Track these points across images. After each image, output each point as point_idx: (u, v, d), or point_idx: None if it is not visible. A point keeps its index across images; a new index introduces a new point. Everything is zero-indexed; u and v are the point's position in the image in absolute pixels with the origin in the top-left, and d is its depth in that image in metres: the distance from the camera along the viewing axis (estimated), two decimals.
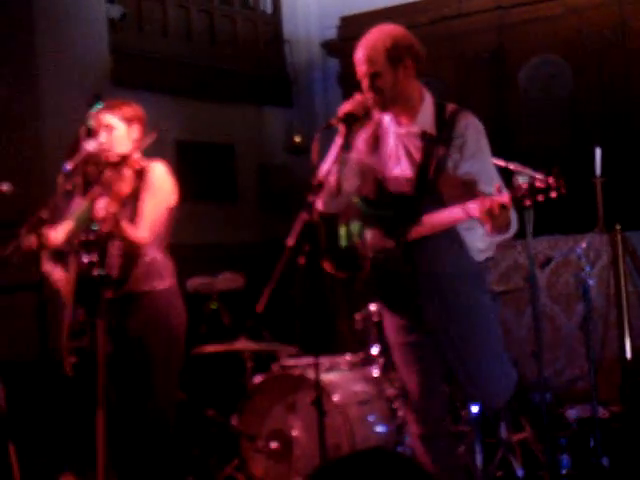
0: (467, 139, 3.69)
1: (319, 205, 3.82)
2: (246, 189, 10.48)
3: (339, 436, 4.79)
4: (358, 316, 5.33)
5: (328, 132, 3.74)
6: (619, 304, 6.42)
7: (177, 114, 9.74)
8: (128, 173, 4.37)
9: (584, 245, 5.56)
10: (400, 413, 4.96)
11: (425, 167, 3.69)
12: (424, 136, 3.73)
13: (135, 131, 4.44)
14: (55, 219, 5.28)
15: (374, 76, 3.72)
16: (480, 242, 3.74)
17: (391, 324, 3.90)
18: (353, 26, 10.48)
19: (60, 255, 5.16)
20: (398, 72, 3.73)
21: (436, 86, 3.92)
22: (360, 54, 3.76)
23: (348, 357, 5.38)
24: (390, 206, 3.75)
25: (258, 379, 5.20)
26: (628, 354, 6.29)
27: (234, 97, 10.41)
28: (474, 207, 3.49)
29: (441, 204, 3.68)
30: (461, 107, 3.80)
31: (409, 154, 3.76)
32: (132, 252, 4.28)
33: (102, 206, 4.13)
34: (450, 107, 3.78)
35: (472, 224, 3.68)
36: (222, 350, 5.51)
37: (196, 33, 10.48)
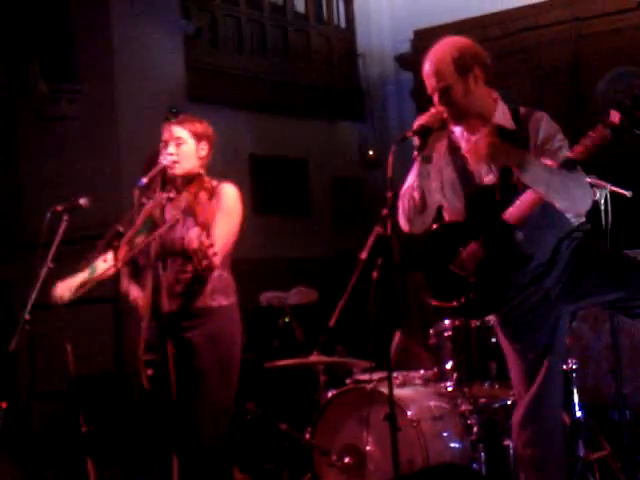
0: (541, 127, 3.68)
1: (404, 226, 3.80)
2: (319, 203, 10.50)
3: (413, 451, 4.75)
4: (432, 331, 5.29)
5: (403, 145, 3.72)
6: None
7: (251, 128, 9.82)
8: (203, 195, 4.40)
9: None
10: (475, 429, 4.90)
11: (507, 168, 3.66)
12: (502, 131, 3.68)
13: (203, 148, 4.47)
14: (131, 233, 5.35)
15: (445, 90, 3.70)
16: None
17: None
18: (427, 39, 10.43)
19: (137, 270, 5.22)
20: (468, 82, 3.71)
21: (510, 99, 3.88)
22: (428, 68, 3.75)
23: (422, 372, 5.34)
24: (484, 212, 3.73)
25: (331, 393, 5.18)
26: None
27: (308, 111, 10.45)
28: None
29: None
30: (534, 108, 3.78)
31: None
32: (203, 274, 4.31)
33: (194, 236, 4.11)
34: (524, 109, 3.77)
35: None
36: (295, 364, 5.50)
37: (270, 48, 10.55)
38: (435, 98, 3.75)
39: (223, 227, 4.36)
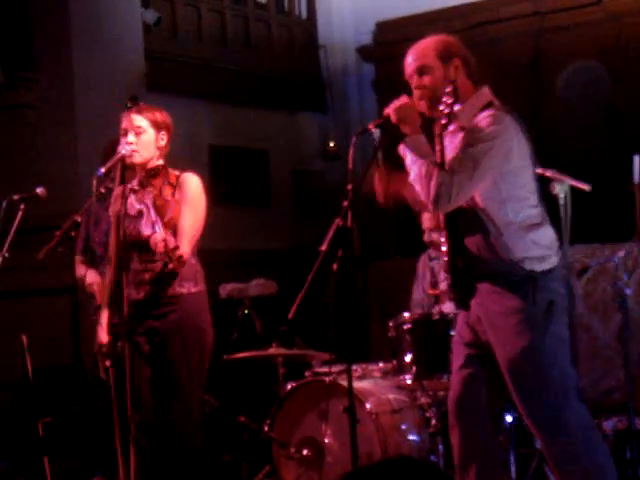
0: (474, 122, 3.59)
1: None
2: (280, 195, 10.46)
3: (371, 444, 4.76)
4: (391, 324, 5.29)
5: (363, 138, 3.70)
6: None
7: (211, 119, 9.76)
8: (168, 191, 4.38)
9: (622, 254, 5.48)
10: (433, 422, 4.92)
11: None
12: (462, 130, 3.64)
13: (163, 138, 4.44)
14: (89, 223, 5.30)
15: (423, 70, 3.67)
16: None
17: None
18: (388, 31, 10.45)
19: (92, 259, 5.17)
20: (449, 69, 3.67)
21: None
22: (409, 57, 3.73)
23: (381, 365, 5.34)
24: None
25: (290, 386, 5.17)
26: None
27: (268, 102, 10.40)
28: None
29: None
30: (502, 107, 3.68)
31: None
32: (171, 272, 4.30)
33: (160, 239, 4.07)
34: (493, 110, 3.64)
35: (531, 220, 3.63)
36: (254, 356, 5.48)
37: (231, 38, 10.48)
38: (413, 83, 3.70)
39: (190, 218, 4.35)
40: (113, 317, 4.42)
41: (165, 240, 4.00)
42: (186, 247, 4.26)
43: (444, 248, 3.66)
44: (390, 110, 3.61)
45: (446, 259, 3.65)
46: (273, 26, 11.01)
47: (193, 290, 4.42)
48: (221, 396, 5.82)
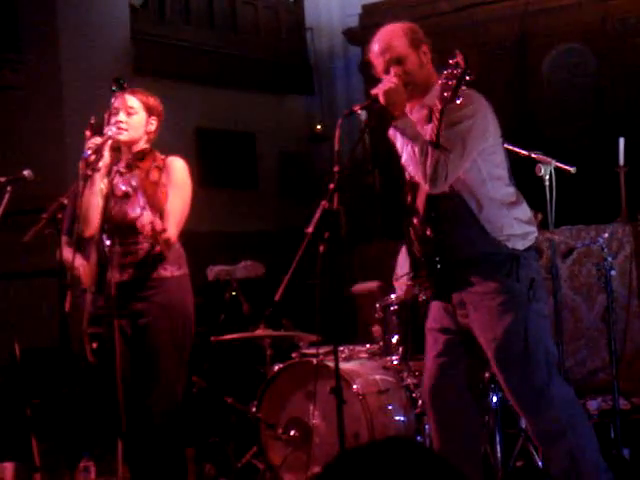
0: (452, 106, 3.51)
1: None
2: (267, 177, 10.48)
3: (358, 425, 4.78)
4: (378, 305, 5.31)
5: (350, 120, 3.72)
6: None
7: (198, 101, 9.75)
8: (155, 174, 4.38)
9: (606, 235, 5.52)
10: (419, 402, 4.95)
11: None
12: (430, 111, 3.63)
13: (152, 123, 4.44)
14: (75, 205, 5.29)
15: (399, 60, 3.66)
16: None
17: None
18: (375, 14, 10.44)
19: (80, 242, 5.17)
20: (420, 55, 3.69)
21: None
22: (378, 47, 3.70)
23: (368, 346, 5.36)
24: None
25: (277, 367, 5.19)
26: None
27: (255, 85, 10.40)
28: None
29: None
30: (473, 91, 3.63)
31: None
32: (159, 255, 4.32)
33: (147, 222, 4.07)
34: (465, 91, 3.55)
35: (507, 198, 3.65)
36: (241, 338, 5.50)
37: (218, 21, 10.47)
38: (390, 72, 3.67)
39: (177, 201, 4.35)
40: (98, 299, 4.42)
41: (152, 222, 4.01)
42: (173, 230, 4.27)
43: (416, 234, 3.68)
44: (379, 92, 3.60)
45: (419, 247, 3.69)
46: (260, 9, 11.00)
47: (176, 273, 4.42)
48: (209, 377, 5.84)
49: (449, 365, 3.76)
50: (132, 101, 4.38)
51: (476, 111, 3.59)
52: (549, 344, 3.69)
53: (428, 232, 3.66)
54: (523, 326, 3.60)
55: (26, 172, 4.76)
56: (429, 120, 3.61)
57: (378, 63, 3.72)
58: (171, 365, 4.36)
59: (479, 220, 3.63)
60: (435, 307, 3.85)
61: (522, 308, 3.61)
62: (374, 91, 3.63)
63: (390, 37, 3.70)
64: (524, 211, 3.72)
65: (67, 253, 4.85)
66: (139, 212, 4.19)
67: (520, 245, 3.65)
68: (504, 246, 3.63)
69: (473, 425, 3.85)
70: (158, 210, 4.28)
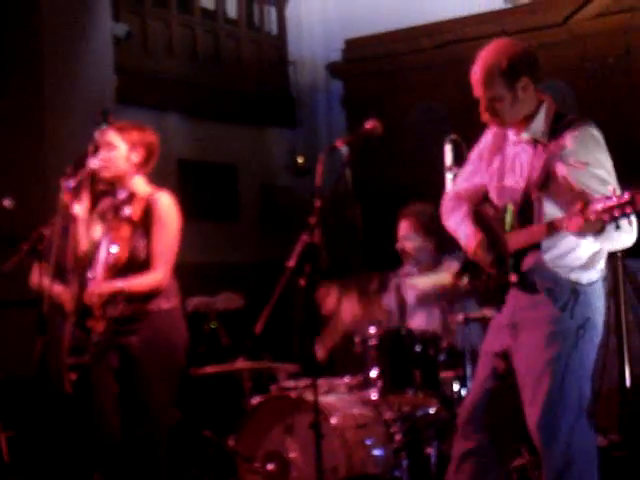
0: (570, 149, 3.53)
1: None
2: (248, 209, 10.50)
3: (336, 459, 4.77)
4: (357, 339, 5.32)
5: (331, 154, 3.75)
6: (619, 332, 6.38)
7: (180, 133, 9.78)
8: (135, 210, 4.38)
9: None
10: (397, 437, 4.94)
11: (531, 177, 3.61)
12: (534, 144, 3.65)
13: (137, 156, 4.43)
14: (56, 235, 5.28)
15: (492, 100, 3.67)
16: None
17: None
18: (357, 49, 10.52)
19: (59, 270, 5.15)
20: (516, 92, 3.65)
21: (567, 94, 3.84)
22: (477, 76, 3.70)
23: (347, 380, 5.36)
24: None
25: (256, 400, 5.18)
26: (627, 383, 6.25)
27: (238, 117, 10.44)
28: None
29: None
30: (582, 118, 3.65)
31: (522, 165, 3.69)
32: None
33: (96, 293, 4.19)
34: (569, 118, 3.63)
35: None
36: (220, 370, 5.49)
37: (201, 53, 10.52)
38: (481, 104, 3.71)
39: (164, 240, 4.35)
40: (80, 331, 4.41)
41: (100, 294, 4.10)
42: (161, 270, 4.29)
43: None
44: (573, 230, 3.38)
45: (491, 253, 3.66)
46: (243, 41, 11.06)
47: (164, 307, 4.40)
48: (187, 410, 5.82)
49: (497, 392, 3.73)
50: (112, 137, 4.39)
51: (602, 150, 3.63)
52: (585, 388, 3.63)
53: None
54: (564, 363, 3.56)
55: (6, 201, 4.75)
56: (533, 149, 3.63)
57: (476, 89, 3.72)
58: (157, 399, 4.34)
59: (551, 249, 3.62)
60: (492, 328, 3.82)
61: (567, 345, 3.57)
62: (571, 228, 3.42)
63: (488, 74, 3.67)
64: (590, 245, 3.62)
65: (45, 281, 4.82)
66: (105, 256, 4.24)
67: (583, 279, 3.61)
68: (566, 279, 3.60)
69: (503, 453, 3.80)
70: (131, 260, 4.30)
